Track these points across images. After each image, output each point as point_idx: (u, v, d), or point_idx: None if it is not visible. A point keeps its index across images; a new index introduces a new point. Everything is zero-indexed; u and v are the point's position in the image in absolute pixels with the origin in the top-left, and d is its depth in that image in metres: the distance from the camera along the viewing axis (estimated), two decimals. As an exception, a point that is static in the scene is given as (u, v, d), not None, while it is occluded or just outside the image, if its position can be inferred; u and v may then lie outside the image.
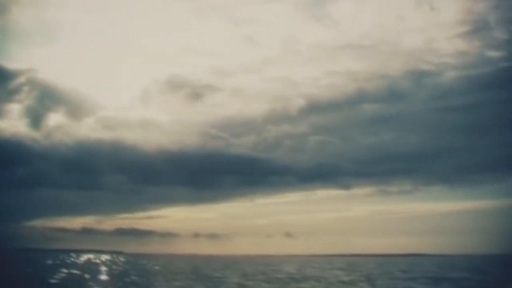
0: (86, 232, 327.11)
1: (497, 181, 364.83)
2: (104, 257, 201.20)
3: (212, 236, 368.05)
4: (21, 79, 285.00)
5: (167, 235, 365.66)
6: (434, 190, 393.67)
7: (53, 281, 52.94)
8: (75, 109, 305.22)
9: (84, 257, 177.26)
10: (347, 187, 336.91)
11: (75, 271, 69.10)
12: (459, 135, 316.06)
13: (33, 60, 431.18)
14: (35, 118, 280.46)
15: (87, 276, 58.92)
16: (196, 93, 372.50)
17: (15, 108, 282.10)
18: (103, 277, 58.23)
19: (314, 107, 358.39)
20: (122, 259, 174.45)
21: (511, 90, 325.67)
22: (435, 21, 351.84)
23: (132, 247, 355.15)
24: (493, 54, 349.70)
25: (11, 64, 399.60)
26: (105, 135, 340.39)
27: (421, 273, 66.72)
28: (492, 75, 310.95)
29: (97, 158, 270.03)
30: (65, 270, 69.07)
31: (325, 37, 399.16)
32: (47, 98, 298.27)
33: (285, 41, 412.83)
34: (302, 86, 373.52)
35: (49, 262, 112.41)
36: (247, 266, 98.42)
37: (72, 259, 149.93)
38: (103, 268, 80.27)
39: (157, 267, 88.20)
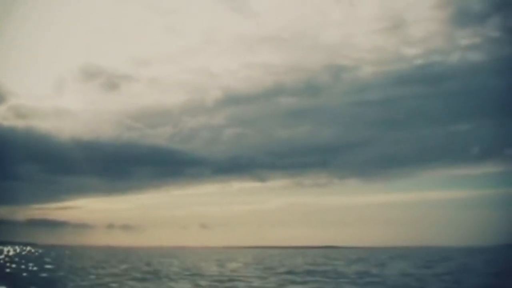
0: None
1: (410, 175, 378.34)
2: (15, 248, 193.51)
3: (127, 228, 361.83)
4: None
5: (81, 226, 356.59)
6: (348, 183, 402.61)
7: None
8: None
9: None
10: (262, 179, 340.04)
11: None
12: (374, 129, 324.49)
13: None
14: None
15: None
16: (112, 83, 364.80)
17: None
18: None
19: (231, 99, 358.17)
20: (33, 250, 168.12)
21: (425, 86, 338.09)
22: (354, 17, 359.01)
23: (45, 238, 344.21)
24: (409, 51, 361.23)
25: None
26: (18, 124, 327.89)
27: (312, 267, 66.20)
28: (407, 71, 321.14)
29: (8, 147, 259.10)
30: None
31: (245, 29, 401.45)
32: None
33: (204, 32, 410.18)
34: (220, 78, 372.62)
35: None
36: (137, 258, 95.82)
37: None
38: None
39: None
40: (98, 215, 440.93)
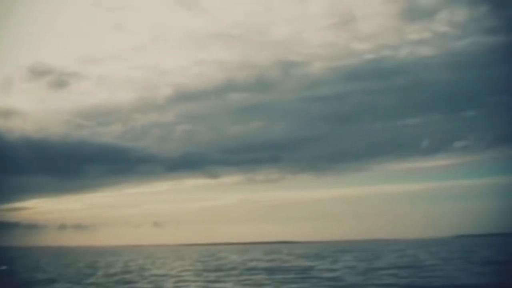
0: None
1: (361, 169, 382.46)
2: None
3: (79, 227, 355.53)
4: None
5: (32, 227, 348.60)
6: (300, 178, 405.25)
7: None
8: None
9: None
10: (214, 176, 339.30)
11: None
12: (325, 124, 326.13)
13: None
14: None
15: None
16: (61, 81, 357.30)
17: None
18: None
19: (182, 96, 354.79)
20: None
21: (376, 81, 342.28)
22: (304, 13, 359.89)
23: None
24: (359, 46, 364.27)
25: None
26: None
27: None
28: (358, 66, 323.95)
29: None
30: None
31: (195, 26, 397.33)
32: None
33: (154, 29, 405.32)
34: (170, 75, 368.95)
35: None
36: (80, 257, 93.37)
37: None
38: None
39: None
40: (49, 216, 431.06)
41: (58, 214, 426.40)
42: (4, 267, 61.85)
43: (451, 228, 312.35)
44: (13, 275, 49.47)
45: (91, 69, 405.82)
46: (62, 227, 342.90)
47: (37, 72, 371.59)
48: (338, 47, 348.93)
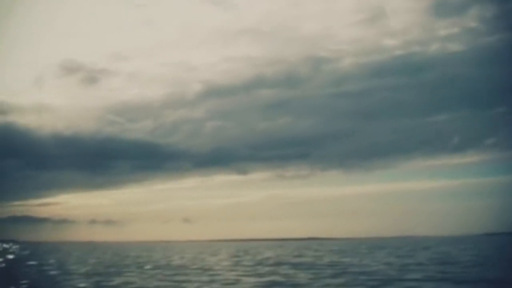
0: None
1: (390, 165, 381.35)
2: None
3: (109, 223, 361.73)
4: None
5: (62, 222, 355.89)
6: (329, 174, 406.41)
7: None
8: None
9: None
10: (244, 172, 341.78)
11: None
12: (354, 120, 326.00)
13: None
14: None
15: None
16: (92, 77, 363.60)
17: None
18: None
19: (211, 92, 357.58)
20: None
21: (405, 77, 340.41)
22: (334, 8, 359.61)
23: (26, 235, 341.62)
24: (389, 42, 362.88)
25: None
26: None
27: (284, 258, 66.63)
28: (387, 62, 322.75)
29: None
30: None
31: (223, 22, 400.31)
32: None
33: (183, 25, 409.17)
34: (199, 71, 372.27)
35: None
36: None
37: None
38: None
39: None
40: (79, 211, 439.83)
41: (88, 210, 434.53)
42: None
43: (481, 225, 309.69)
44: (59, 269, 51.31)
45: (121, 65, 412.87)
46: (92, 222, 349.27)
47: (68, 69, 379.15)
48: (367, 43, 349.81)
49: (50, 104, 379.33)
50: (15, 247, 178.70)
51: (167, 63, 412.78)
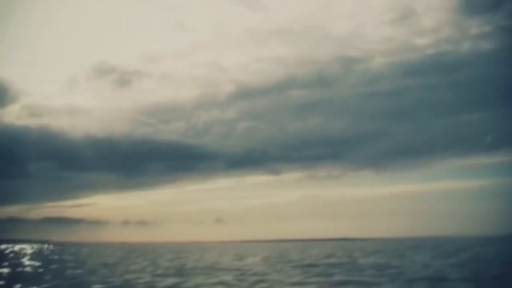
0: (12, 221, 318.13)
1: (423, 165, 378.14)
2: (32, 246, 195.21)
3: (142, 223, 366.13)
4: None
5: (96, 223, 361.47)
6: (361, 174, 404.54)
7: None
8: None
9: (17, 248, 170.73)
10: (276, 172, 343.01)
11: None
12: (385, 120, 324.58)
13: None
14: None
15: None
16: (124, 79, 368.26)
17: None
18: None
19: (243, 93, 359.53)
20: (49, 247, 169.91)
21: (436, 76, 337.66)
22: (364, 8, 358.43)
23: (60, 235, 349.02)
24: (420, 41, 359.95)
25: None
26: (31, 122, 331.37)
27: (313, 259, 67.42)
28: (418, 61, 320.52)
29: (22, 145, 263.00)
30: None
31: (254, 23, 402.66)
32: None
33: (214, 26, 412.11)
34: (231, 72, 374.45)
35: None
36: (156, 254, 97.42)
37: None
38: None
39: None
40: (112, 212, 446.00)
41: (121, 211, 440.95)
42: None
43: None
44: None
45: (153, 67, 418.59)
46: (125, 223, 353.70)
47: (101, 71, 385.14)
48: (398, 42, 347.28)
49: (84, 106, 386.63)
50: (50, 247, 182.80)
51: (199, 64, 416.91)
